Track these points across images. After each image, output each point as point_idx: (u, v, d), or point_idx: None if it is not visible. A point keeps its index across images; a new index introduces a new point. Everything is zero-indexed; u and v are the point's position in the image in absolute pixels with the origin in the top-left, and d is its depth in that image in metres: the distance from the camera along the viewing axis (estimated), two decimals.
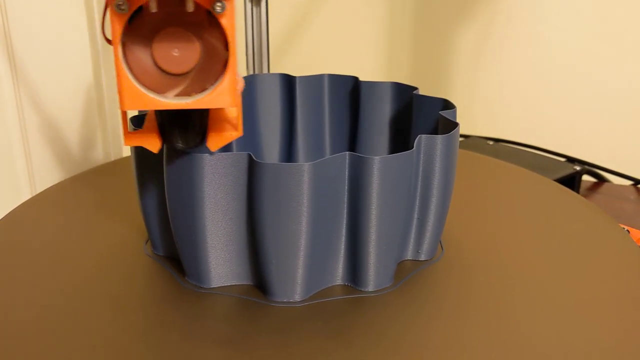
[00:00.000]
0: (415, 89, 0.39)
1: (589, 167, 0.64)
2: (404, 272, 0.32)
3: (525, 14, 0.70)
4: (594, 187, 0.63)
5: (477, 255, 0.34)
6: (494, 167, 0.48)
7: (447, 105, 0.36)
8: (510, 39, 0.71)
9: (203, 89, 0.24)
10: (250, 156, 0.28)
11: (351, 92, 0.42)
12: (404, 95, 0.40)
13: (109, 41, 0.26)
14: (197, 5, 0.23)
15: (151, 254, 0.34)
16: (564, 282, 0.32)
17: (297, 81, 0.42)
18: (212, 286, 0.31)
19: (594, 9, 0.67)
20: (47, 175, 0.69)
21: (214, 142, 0.27)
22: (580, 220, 0.39)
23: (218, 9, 0.22)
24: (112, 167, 0.48)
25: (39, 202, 0.41)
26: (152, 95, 0.23)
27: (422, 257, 0.33)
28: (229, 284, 0.31)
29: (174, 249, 0.32)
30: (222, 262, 0.30)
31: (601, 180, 0.65)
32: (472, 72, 0.74)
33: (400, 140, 0.41)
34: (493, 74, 0.73)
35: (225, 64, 0.23)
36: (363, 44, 0.76)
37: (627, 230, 0.43)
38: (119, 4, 0.22)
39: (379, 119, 0.41)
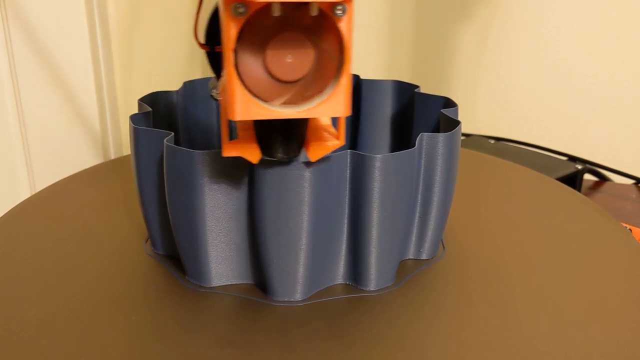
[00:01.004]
0: (417, 87, 0.39)
1: (591, 166, 0.64)
2: (406, 271, 0.32)
3: (527, 12, 0.69)
4: (595, 186, 0.63)
5: (479, 255, 0.34)
6: (495, 166, 0.48)
7: (449, 103, 0.36)
8: (512, 37, 0.71)
9: (309, 97, 0.22)
10: None
11: (353, 89, 0.42)
12: (405, 93, 0.40)
13: (202, 46, 0.25)
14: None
15: (151, 253, 0.34)
16: (566, 281, 0.31)
17: None
18: (212, 285, 0.30)
19: (595, 8, 0.67)
20: (47, 173, 0.69)
21: (315, 152, 0.25)
22: (582, 219, 0.39)
23: (339, 12, 0.21)
24: (111, 166, 0.47)
25: (39, 201, 0.41)
26: (263, 104, 0.22)
27: (424, 256, 0.33)
28: (229, 283, 0.31)
29: (175, 248, 0.32)
30: (222, 261, 0.30)
31: (603, 179, 0.65)
32: (473, 70, 0.73)
33: (402, 139, 0.41)
34: (494, 73, 0.73)
35: (335, 71, 0.22)
36: (364, 42, 0.76)
37: (629, 229, 0.43)
38: (238, 8, 0.20)
39: (380, 117, 0.41)
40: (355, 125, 0.42)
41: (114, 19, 0.77)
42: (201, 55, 0.80)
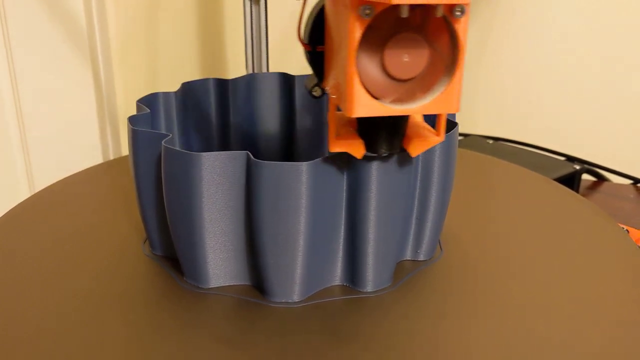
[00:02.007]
0: None
1: (589, 166, 0.64)
2: (403, 272, 0.32)
3: (526, 13, 0.69)
4: (593, 186, 0.63)
5: (476, 255, 0.34)
6: (493, 166, 0.48)
7: None
8: (510, 38, 0.71)
9: (415, 96, 0.23)
10: (248, 155, 0.27)
11: None
12: None
13: (305, 45, 0.26)
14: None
15: (149, 253, 0.34)
16: (563, 282, 0.31)
17: (296, 80, 0.42)
18: (210, 286, 0.30)
19: (594, 8, 0.67)
20: (46, 174, 0.69)
21: (416, 147, 0.26)
22: (579, 220, 0.39)
23: (457, 13, 0.22)
24: (110, 167, 0.47)
25: (38, 201, 0.41)
26: (378, 101, 0.23)
27: (421, 257, 0.33)
28: (227, 284, 0.31)
29: (173, 249, 0.32)
30: (220, 262, 0.30)
31: (601, 179, 0.65)
32: (472, 71, 0.73)
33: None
34: (493, 73, 0.73)
35: (444, 70, 0.23)
36: None
37: (627, 230, 0.43)
38: (365, 9, 0.21)
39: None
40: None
41: (113, 19, 0.77)
42: (201, 55, 0.80)
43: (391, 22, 0.22)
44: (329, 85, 0.27)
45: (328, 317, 0.28)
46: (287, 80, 0.42)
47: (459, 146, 0.64)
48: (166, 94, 0.37)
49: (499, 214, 0.40)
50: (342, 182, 0.29)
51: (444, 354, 0.26)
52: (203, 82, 0.40)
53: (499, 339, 0.27)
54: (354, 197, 0.29)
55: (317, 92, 0.29)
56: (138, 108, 0.34)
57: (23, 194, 0.71)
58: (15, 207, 0.40)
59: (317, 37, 0.27)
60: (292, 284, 0.29)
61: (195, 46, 0.79)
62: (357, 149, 0.26)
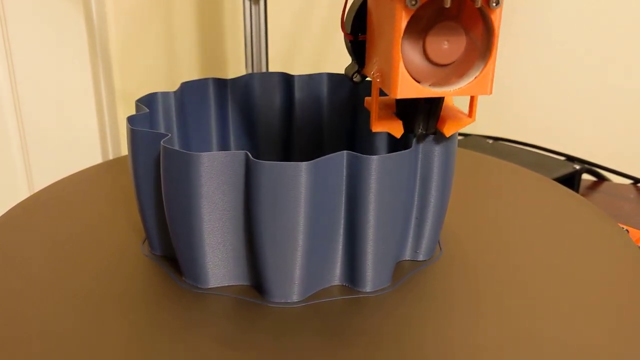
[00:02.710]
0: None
1: (589, 166, 0.64)
2: (402, 272, 0.32)
3: (526, 12, 0.69)
4: (593, 186, 0.63)
5: (476, 255, 0.34)
6: (492, 166, 0.48)
7: None
8: (510, 37, 0.71)
9: (449, 80, 0.26)
10: (247, 155, 0.27)
11: (350, 90, 0.42)
12: None
13: (348, 36, 0.29)
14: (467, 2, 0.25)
15: (148, 253, 0.34)
16: (562, 282, 0.31)
17: (296, 80, 0.42)
18: (209, 286, 0.30)
19: (594, 7, 0.67)
20: (45, 174, 0.69)
21: (450, 128, 0.29)
22: (579, 220, 0.39)
23: (494, 4, 0.24)
24: (110, 166, 0.47)
25: (37, 201, 0.41)
26: (419, 84, 0.25)
27: (421, 257, 0.33)
28: (226, 284, 0.31)
29: (172, 249, 0.32)
30: (219, 262, 0.30)
31: (601, 179, 0.65)
32: None
33: (400, 139, 0.41)
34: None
35: (478, 56, 0.26)
36: None
37: (627, 230, 0.43)
38: (412, 0, 0.23)
39: None
40: (353, 125, 0.42)
41: (112, 19, 0.77)
42: (200, 55, 0.80)
43: (431, 12, 0.25)
44: (371, 71, 0.29)
45: (327, 317, 0.28)
46: (286, 80, 0.42)
47: (459, 146, 0.64)
48: (165, 93, 0.37)
49: (498, 214, 0.40)
50: (341, 182, 0.29)
51: (443, 354, 0.26)
52: (202, 81, 0.40)
53: (499, 338, 0.27)
54: (353, 197, 0.29)
55: (357, 78, 0.31)
56: (137, 108, 0.34)
57: (22, 194, 0.71)
58: (15, 207, 0.40)
59: (358, 27, 0.29)
60: (291, 284, 0.29)
61: (195, 46, 0.79)
62: (396, 129, 0.29)
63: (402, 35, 0.24)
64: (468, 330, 0.27)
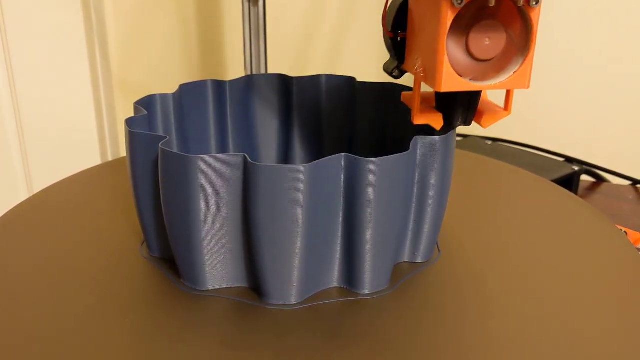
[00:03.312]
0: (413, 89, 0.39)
1: (588, 167, 0.64)
2: (401, 274, 0.32)
3: None
4: (592, 187, 0.63)
5: (474, 257, 0.34)
6: (491, 168, 0.48)
7: None
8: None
9: (488, 75, 0.27)
10: (245, 157, 0.27)
11: (348, 92, 0.42)
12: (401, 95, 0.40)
13: (389, 33, 0.31)
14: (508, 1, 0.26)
15: (147, 255, 0.34)
16: (560, 284, 0.31)
17: (294, 82, 0.42)
18: (207, 288, 0.30)
19: (594, 9, 0.67)
20: (45, 175, 0.69)
21: (487, 120, 0.30)
22: (577, 221, 0.39)
23: (534, 3, 0.26)
24: (109, 168, 0.47)
25: (36, 202, 0.41)
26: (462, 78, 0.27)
27: (419, 259, 0.33)
28: (224, 286, 0.31)
29: (170, 251, 0.32)
30: (217, 264, 0.30)
31: (600, 180, 0.65)
32: None
33: (399, 140, 0.41)
34: None
35: (516, 52, 0.27)
36: (362, 43, 0.76)
37: (625, 232, 0.43)
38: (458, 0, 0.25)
39: (376, 119, 0.41)
40: (351, 127, 0.42)
41: (111, 19, 0.77)
42: (200, 56, 0.80)
43: (473, 11, 0.26)
44: (413, 67, 0.30)
45: (325, 320, 0.28)
46: (285, 82, 0.42)
47: (458, 147, 0.64)
48: (164, 95, 0.37)
49: (497, 215, 0.40)
50: (339, 184, 0.29)
51: (441, 356, 0.26)
52: (201, 83, 0.40)
53: (497, 340, 0.27)
54: (352, 199, 0.29)
55: (396, 73, 0.33)
56: (135, 110, 0.34)
57: (21, 196, 0.71)
58: (14, 208, 0.40)
59: (399, 25, 0.31)
60: (289, 286, 0.29)
61: (194, 47, 0.79)
62: (437, 122, 0.30)
63: (447, 32, 0.26)
64: (466, 331, 0.27)
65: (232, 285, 0.31)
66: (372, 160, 0.28)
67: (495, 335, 0.27)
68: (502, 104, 0.31)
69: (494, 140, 0.69)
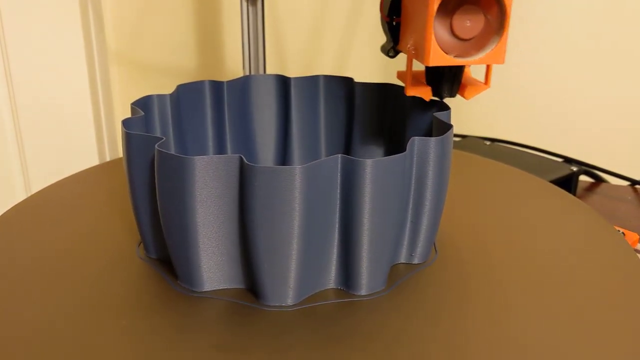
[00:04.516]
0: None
1: (587, 168, 0.64)
2: (398, 275, 0.32)
3: (524, 14, 0.69)
4: (591, 188, 0.63)
5: (472, 258, 0.34)
6: (488, 168, 0.48)
7: (442, 106, 0.36)
8: (509, 38, 0.71)
9: (469, 52, 0.32)
10: (241, 159, 0.27)
11: (346, 93, 0.42)
12: (399, 96, 0.40)
13: (386, 18, 0.36)
14: None
15: (144, 256, 0.34)
16: (558, 285, 0.31)
17: (292, 82, 0.42)
18: (204, 290, 0.30)
19: (593, 10, 0.67)
20: (43, 176, 0.69)
21: (470, 92, 0.35)
22: (575, 222, 0.39)
23: None
24: (106, 168, 0.47)
25: (33, 203, 0.41)
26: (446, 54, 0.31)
27: (416, 261, 0.33)
28: (221, 288, 0.31)
29: (167, 252, 0.32)
30: (214, 265, 0.30)
31: (598, 180, 0.65)
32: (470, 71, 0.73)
33: (396, 141, 0.41)
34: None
35: (493, 33, 0.32)
36: (360, 44, 0.76)
37: (623, 233, 0.43)
38: None
39: (374, 120, 0.41)
40: (349, 128, 0.42)
41: (109, 19, 0.77)
42: (198, 57, 0.80)
43: None
44: (406, 46, 0.35)
45: (322, 321, 0.28)
46: (283, 82, 0.42)
47: (456, 147, 0.64)
48: (161, 96, 0.37)
49: (493, 216, 0.40)
50: (335, 185, 0.29)
51: (438, 357, 0.26)
52: (198, 84, 0.40)
53: (494, 342, 0.27)
54: (348, 200, 0.29)
55: (392, 53, 0.38)
56: (132, 111, 0.34)
57: (19, 196, 0.71)
58: (11, 209, 0.40)
59: (394, 11, 0.36)
60: (286, 287, 0.29)
61: (193, 47, 0.79)
62: (426, 94, 0.35)
63: (434, 15, 0.30)
64: (463, 333, 0.27)
65: (229, 287, 0.31)
66: (369, 161, 0.28)
67: (494, 337, 0.27)
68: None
69: (493, 140, 0.69)
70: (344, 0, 0.74)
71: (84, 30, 0.67)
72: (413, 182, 0.31)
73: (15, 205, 0.40)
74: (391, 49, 0.37)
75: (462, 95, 0.35)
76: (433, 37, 0.31)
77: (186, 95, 0.39)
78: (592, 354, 0.26)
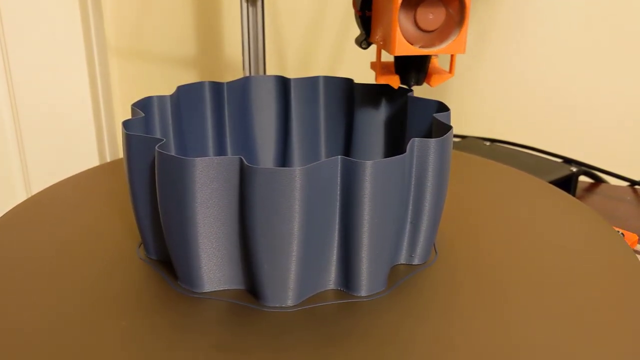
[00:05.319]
0: (410, 90, 0.39)
1: (586, 168, 0.64)
2: (398, 276, 0.32)
3: (524, 14, 0.69)
4: (590, 188, 0.63)
5: (471, 259, 0.34)
6: (488, 169, 0.48)
7: (442, 107, 0.36)
8: (508, 39, 0.71)
9: (434, 43, 0.35)
10: (241, 160, 0.27)
11: (346, 94, 0.42)
12: (399, 97, 0.40)
13: (358, 11, 0.39)
14: None
15: (144, 257, 0.34)
16: (557, 285, 0.31)
17: (292, 83, 0.42)
18: (204, 291, 0.30)
19: (592, 11, 0.67)
20: (43, 176, 0.69)
21: (435, 80, 0.38)
22: (575, 223, 0.39)
23: None
24: (107, 169, 0.47)
25: (34, 204, 0.41)
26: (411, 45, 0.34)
27: (416, 262, 0.33)
28: (221, 289, 0.31)
29: (167, 253, 0.32)
30: (214, 266, 0.30)
31: (598, 181, 0.65)
32: (469, 72, 0.73)
33: (396, 143, 0.41)
34: (491, 75, 0.73)
35: (454, 25, 0.34)
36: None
37: (622, 234, 0.43)
38: None
39: (374, 121, 0.41)
40: (349, 129, 0.42)
41: (110, 21, 0.77)
42: (198, 57, 0.80)
43: None
44: (376, 38, 0.38)
45: (322, 322, 0.28)
46: (282, 83, 0.42)
47: (456, 148, 0.64)
48: (161, 97, 0.37)
49: (493, 217, 0.40)
50: (335, 186, 0.29)
51: (439, 358, 0.26)
52: (198, 85, 0.40)
53: (494, 342, 0.27)
54: (348, 202, 0.29)
55: (365, 44, 0.40)
56: (133, 112, 0.34)
57: (20, 197, 0.71)
58: (12, 209, 0.40)
59: (365, 6, 0.38)
60: (286, 288, 0.29)
61: (193, 47, 0.79)
62: (395, 81, 0.38)
63: (399, 8, 0.33)
64: (463, 334, 0.27)
65: (229, 288, 0.31)
66: (369, 162, 0.28)
67: (493, 338, 0.27)
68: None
69: (492, 141, 0.69)
70: (346, 1, 0.74)
71: (84, 30, 0.67)
72: (413, 183, 0.31)
73: (16, 206, 0.40)
74: (364, 40, 0.40)
75: (428, 84, 0.38)
76: (398, 28, 0.33)
77: (186, 96, 0.40)
78: (592, 354, 0.26)
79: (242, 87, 0.42)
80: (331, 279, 0.31)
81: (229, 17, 0.77)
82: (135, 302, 0.30)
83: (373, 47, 0.40)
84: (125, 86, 0.80)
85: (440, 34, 0.35)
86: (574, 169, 0.59)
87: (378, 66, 0.38)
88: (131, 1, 0.77)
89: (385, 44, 0.35)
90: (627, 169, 0.65)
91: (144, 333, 0.27)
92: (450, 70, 0.37)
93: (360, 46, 0.40)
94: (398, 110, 0.40)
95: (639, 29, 0.66)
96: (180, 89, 0.39)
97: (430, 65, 0.39)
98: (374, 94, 0.41)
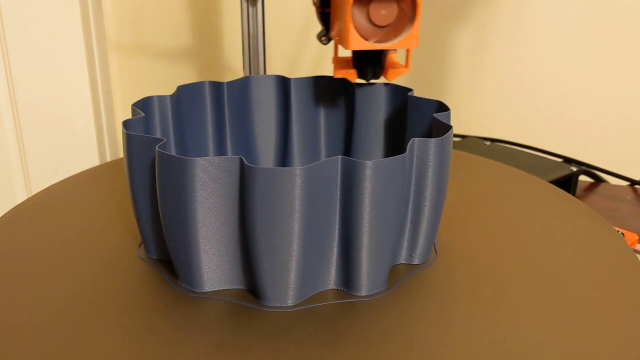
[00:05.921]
0: (410, 90, 0.39)
1: (586, 168, 0.64)
2: (398, 276, 0.32)
3: (524, 14, 0.69)
4: (590, 188, 0.63)
5: (471, 259, 0.34)
6: (488, 169, 0.48)
7: (442, 107, 0.36)
8: (509, 39, 0.71)
9: (388, 38, 0.36)
10: (241, 160, 0.27)
11: (346, 93, 0.42)
12: (399, 96, 0.40)
13: (318, 8, 0.40)
14: None
15: (144, 257, 0.34)
16: (558, 285, 0.31)
17: (292, 83, 0.42)
18: (204, 290, 0.30)
19: (592, 11, 0.67)
20: (42, 176, 0.69)
21: (392, 75, 0.39)
22: (575, 223, 0.39)
23: None
24: (107, 169, 0.47)
25: (34, 204, 0.41)
26: (365, 40, 0.35)
27: (416, 261, 0.33)
28: (221, 289, 0.31)
29: (167, 253, 0.32)
30: (214, 266, 0.30)
31: (598, 180, 0.65)
32: (469, 72, 0.74)
33: (396, 142, 0.41)
34: (490, 74, 0.73)
35: (407, 21, 0.35)
36: None
37: (622, 233, 0.43)
38: None
39: (374, 120, 0.41)
40: (349, 128, 0.42)
41: (110, 21, 0.77)
42: (198, 57, 0.80)
43: None
44: (333, 33, 0.39)
45: (322, 322, 0.28)
46: (283, 83, 0.42)
47: (456, 147, 0.64)
48: (161, 97, 0.37)
49: (493, 217, 0.40)
50: (335, 186, 0.29)
51: (438, 358, 0.26)
52: (198, 85, 0.40)
53: (494, 342, 0.27)
54: (348, 201, 0.29)
55: (325, 40, 0.42)
56: (133, 112, 0.34)
57: (20, 197, 0.71)
58: (12, 209, 0.40)
59: (325, 3, 0.40)
60: (286, 288, 0.29)
61: (193, 47, 0.79)
62: (352, 76, 0.39)
63: (352, 4, 0.34)
64: (463, 333, 0.27)
65: (229, 287, 0.31)
66: (369, 162, 0.28)
67: (493, 337, 0.27)
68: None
69: (492, 140, 0.69)
70: None
71: (84, 28, 0.67)
72: (413, 183, 0.31)
73: (16, 206, 0.40)
74: (324, 36, 0.41)
75: (385, 77, 0.39)
76: (352, 24, 0.35)
77: (186, 96, 0.40)
78: (592, 354, 0.26)
79: (242, 86, 0.42)
80: (331, 279, 0.31)
81: (230, 16, 0.77)
82: (136, 302, 0.30)
83: None
84: (125, 85, 0.80)
85: (394, 29, 0.36)
86: (574, 169, 0.59)
87: (335, 60, 0.40)
88: (131, 5, 0.77)
89: (341, 39, 0.36)
90: (627, 169, 0.65)
91: (144, 332, 0.27)
92: (407, 65, 0.39)
93: (321, 41, 0.42)
94: (398, 110, 0.40)
95: (638, 29, 0.66)
96: (181, 88, 0.39)
97: (388, 59, 0.40)
98: (374, 93, 0.41)
